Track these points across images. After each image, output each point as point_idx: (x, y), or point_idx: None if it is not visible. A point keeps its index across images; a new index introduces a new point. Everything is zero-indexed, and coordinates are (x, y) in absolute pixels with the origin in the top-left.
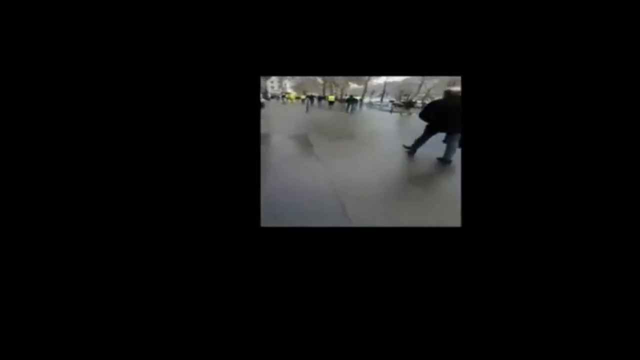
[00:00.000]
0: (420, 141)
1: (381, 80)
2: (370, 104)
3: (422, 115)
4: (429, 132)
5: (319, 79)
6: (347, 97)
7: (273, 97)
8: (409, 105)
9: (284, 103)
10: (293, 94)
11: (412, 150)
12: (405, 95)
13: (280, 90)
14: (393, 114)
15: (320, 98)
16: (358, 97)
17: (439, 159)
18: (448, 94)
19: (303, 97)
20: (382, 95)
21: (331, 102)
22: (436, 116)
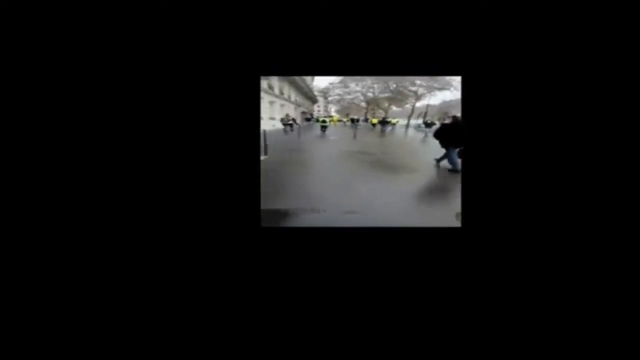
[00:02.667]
0: (443, 156)
1: (425, 102)
2: (418, 126)
3: (435, 135)
4: (446, 149)
5: (363, 103)
6: (381, 119)
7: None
8: (430, 125)
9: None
10: (336, 117)
11: (437, 162)
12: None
13: (325, 113)
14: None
15: (357, 120)
16: (393, 120)
17: (449, 170)
18: (455, 117)
19: (345, 119)
20: (424, 116)
21: (374, 124)
22: (443, 135)
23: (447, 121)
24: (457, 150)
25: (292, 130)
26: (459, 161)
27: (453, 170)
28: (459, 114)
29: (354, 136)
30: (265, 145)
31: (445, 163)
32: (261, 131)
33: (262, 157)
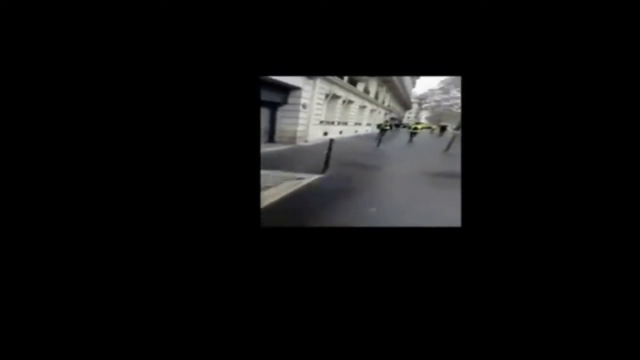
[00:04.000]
0: None
1: None
2: None
3: None
4: None
5: (454, 108)
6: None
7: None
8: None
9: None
10: (424, 124)
11: None
12: None
13: (415, 119)
14: None
15: (444, 128)
16: None
17: None
18: None
19: (434, 127)
20: None
21: None
22: None
23: None
24: None
25: (383, 136)
26: None
27: None
28: None
29: (447, 148)
30: (327, 158)
31: None
32: (327, 140)
33: (313, 178)
